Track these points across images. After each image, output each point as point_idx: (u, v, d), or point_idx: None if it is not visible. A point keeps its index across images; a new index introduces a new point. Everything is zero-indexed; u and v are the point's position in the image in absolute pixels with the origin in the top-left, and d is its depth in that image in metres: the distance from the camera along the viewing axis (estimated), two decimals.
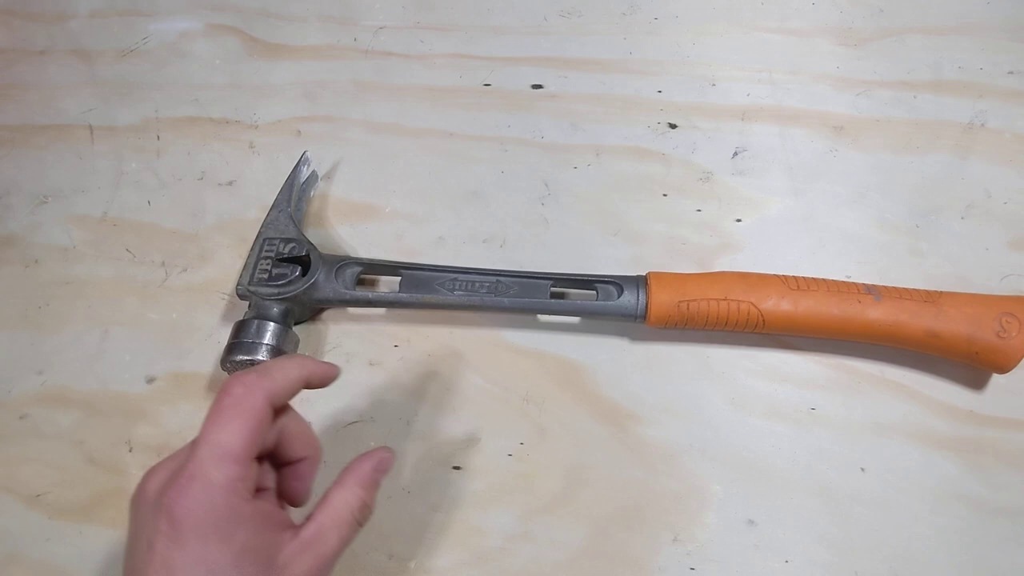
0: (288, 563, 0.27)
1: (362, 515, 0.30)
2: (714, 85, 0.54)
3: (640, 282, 0.42)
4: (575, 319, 0.45)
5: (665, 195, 0.49)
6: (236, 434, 0.27)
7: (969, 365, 0.40)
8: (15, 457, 0.41)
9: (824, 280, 0.41)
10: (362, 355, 0.44)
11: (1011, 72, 0.53)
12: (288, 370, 0.30)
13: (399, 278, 0.44)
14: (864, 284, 0.41)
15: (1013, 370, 0.39)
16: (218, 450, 0.27)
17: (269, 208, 0.46)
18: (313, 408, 0.42)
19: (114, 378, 0.44)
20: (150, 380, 0.43)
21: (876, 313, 0.40)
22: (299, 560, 0.28)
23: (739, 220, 0.48)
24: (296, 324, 0.44)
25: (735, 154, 0.51)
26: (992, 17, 0.56)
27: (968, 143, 0.50)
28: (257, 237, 0.45)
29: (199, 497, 0.26)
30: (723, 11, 0.59)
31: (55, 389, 0.43)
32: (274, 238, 0.44)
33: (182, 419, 0.42)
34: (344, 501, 0.30)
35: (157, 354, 0.44)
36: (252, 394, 0.28)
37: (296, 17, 0.60)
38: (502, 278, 0.43)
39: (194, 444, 0.27)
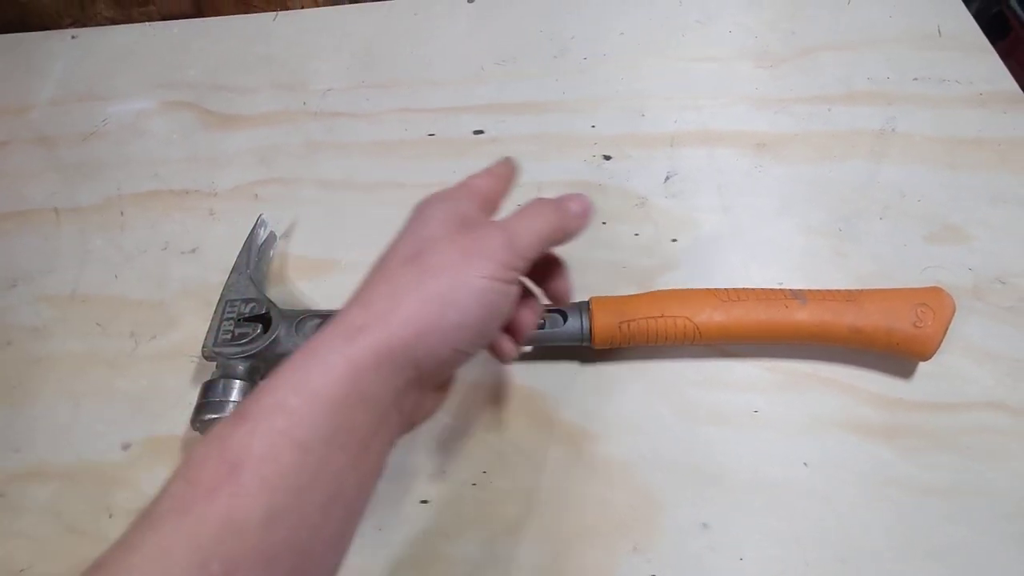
0: (484, 233, 0.31)
1: (558, 224, 0.33)
2: (643, 115, 0.58)
3: (583, 307, 0.44)
4: (527, 348, 0.47)
5: (604, 223, 0.52)
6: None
7: (893, 356, 0.43)
8: None
9: (753, 290, 0.44)
10: None
11: (916, 79, 0.57)
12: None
13: None
14: (791, 290, 0.44)
15: (935, 357, 0.41)
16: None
17: (230, 271, 0.49)
18: None
19: (89, 448, 0.45)
20: (125, 447, 0.45)
21: (802, 315, 0.42)
22: (492, 233, 0.31)
23: (675, 240, 0.51)
24: (262, 379, 0.46)
25: (667, 178, 0.54)
26: (895, 30, 0.61)
27: (882, 148, 0.54)
28: (219, 300, 0.47)
29: (443, 200, 0.33)
30: (648, 46, 0.63)
31: (32, 465, 0.45)
32: (235, 300, 0.47)
33: (158, 481, 0.43)
34: (536, 210, 0.33)
35: (130, 421, 0.46)
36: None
37: (248, 88, 0.64)
38: None
39: None
